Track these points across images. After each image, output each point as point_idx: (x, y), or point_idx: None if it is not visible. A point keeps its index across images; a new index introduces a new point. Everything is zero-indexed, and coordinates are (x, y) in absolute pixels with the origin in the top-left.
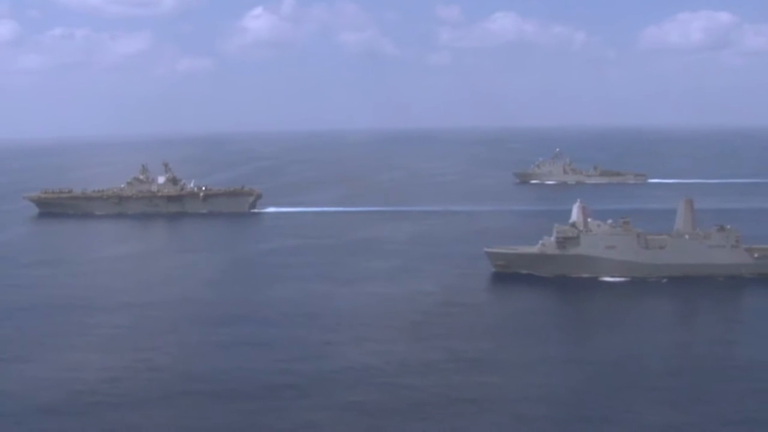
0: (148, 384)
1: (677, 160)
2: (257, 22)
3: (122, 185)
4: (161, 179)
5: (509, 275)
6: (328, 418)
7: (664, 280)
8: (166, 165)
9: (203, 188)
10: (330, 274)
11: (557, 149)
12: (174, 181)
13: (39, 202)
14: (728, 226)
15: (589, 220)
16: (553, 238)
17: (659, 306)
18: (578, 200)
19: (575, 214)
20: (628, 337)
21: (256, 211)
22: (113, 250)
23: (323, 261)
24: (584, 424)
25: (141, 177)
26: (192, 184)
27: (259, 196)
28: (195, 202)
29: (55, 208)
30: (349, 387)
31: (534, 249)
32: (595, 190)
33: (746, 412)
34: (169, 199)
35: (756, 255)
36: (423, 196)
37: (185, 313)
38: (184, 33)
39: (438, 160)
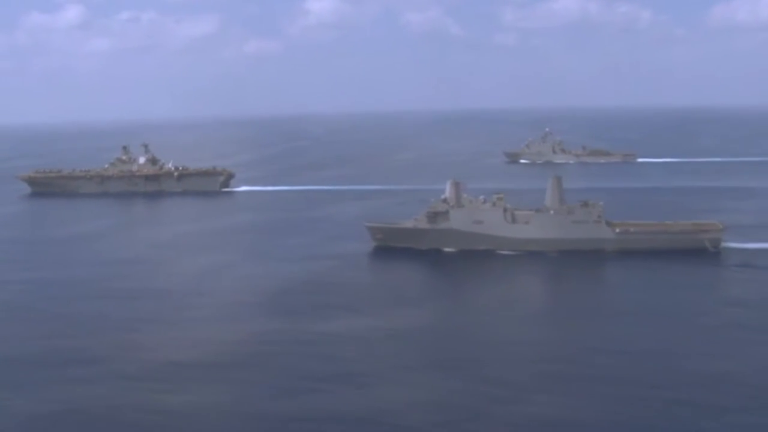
0: None
1: (706, 139)
2: (320, 3)
3: (106, 165)
4: (142, 160)
5: (388, 249)
6: (98, 344)
7: (534, 253)
8: (145, 146)
9: (179, 168)
10: (241, 248)
11: (547, 129)
12: (153, 161)
13: (30, 182)
14: (599, 203)
15: (464, 195)
16: (424, 213)
17: (507, 276)
18: (451, 178)
19: (448, 191)
20: (452, 304)
21: (227, 190)
22: (65, 229)
23: (248, 238)
24: (327, 362)
25: (123, 158)
26: (170, 165)
27: (231, 176)
28: (170, 182)
29: (45, 187)
30: (140, 325)
31: (408, 223)
32: (581, 169)
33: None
34: (147, 178)
35: (617, 230)
36: (412, 176)
37: (66, 281)
38: (250, 15)
39: (465, 140)
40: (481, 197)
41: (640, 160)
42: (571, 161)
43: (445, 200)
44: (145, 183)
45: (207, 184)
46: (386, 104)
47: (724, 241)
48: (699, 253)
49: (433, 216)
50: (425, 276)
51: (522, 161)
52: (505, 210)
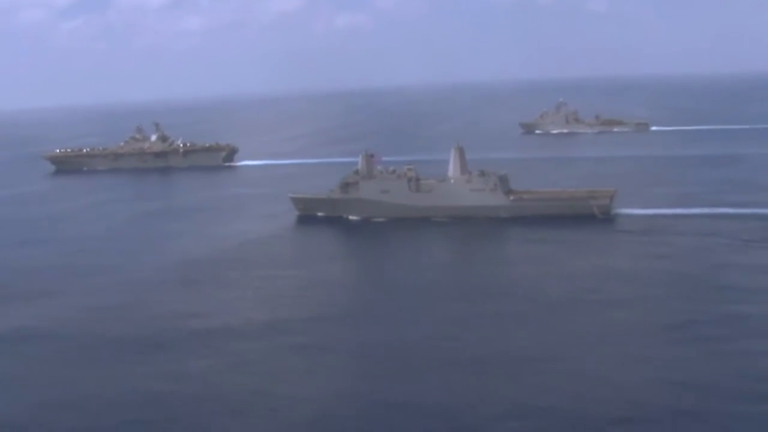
0: None
1: (755, 107)
2: None
3: (121, 144)
4: (153, 137)
5: (309, 217)
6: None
7: (435, 220)
8: (157, 125)
9: (186, 144)
10: (200, 219)
11: (560, 99)
12: (163, 138)
13: (53, 161)
14: (502, 172)
15: (378, 167)
16: (338, 184)
17: (398, 241)
18: (365, 150)
19: (360, 162)
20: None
21: (230, 164)
22: (63, 204)
23: (215, 209)
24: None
25: (137, 136)
26: (179, 141)
27: (233, 151)
28: (177, 158)
29: (66, 165)
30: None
31: (324, 194)
32: (595, 138)
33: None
34: (156, 155)
35: (512, 198)
36: (431, 147)
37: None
38: None
39: (517, 111)
40: (391, 168)
41: (653, 128)
42: (584, 131)
43: (357, 172)
44: (154, 159)
45: (210, 159)
46: (477, 74)
47: (616, 208)
48: (588, 219)
49: (345, 186)
50: (326, 239)
51: (537, 132)
52: (410, 180)
